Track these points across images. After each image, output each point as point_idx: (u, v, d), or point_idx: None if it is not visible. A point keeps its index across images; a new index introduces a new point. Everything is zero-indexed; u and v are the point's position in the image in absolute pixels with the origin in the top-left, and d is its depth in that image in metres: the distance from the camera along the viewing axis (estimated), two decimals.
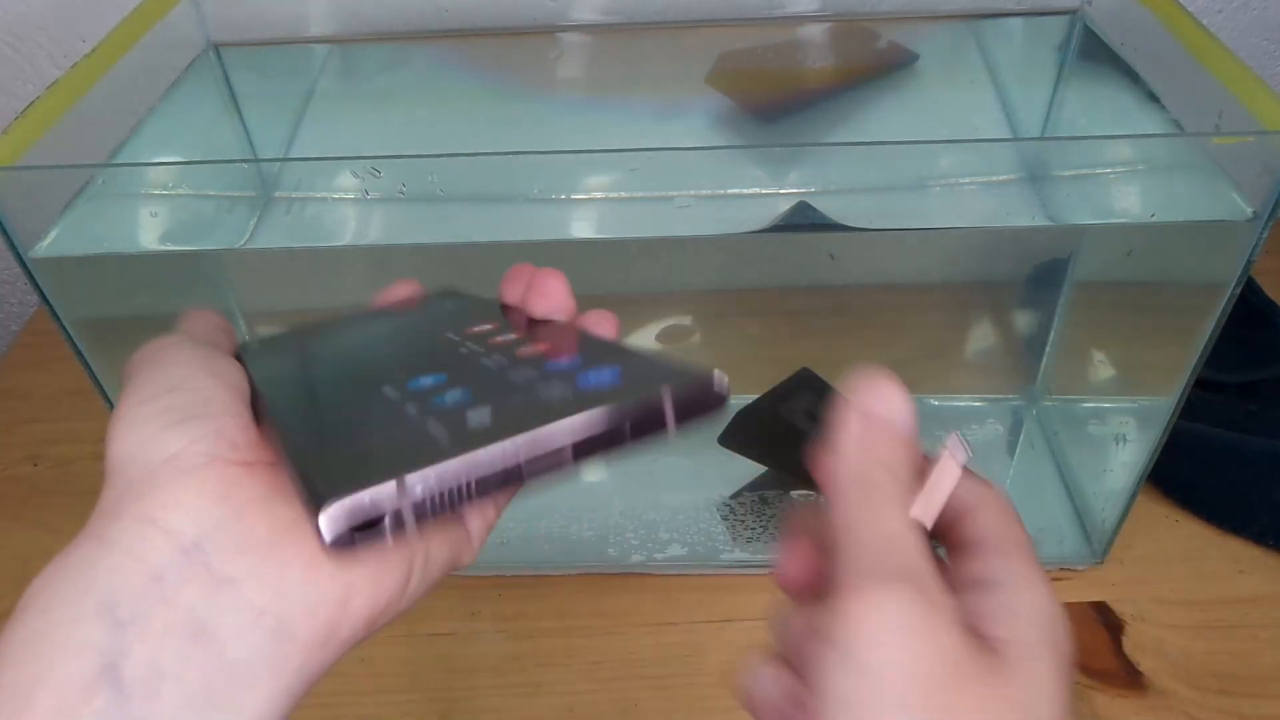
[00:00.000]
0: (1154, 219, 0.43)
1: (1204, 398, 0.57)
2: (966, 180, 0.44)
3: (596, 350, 0.27)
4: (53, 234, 0.42)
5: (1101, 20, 0.55)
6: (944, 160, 0.44)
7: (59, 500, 0.61)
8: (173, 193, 0.44)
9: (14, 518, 0.60)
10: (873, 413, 0.24)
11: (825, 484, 0.24)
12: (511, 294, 0.32)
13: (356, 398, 0.26)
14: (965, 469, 0.26)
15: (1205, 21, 0.45)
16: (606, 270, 0.52)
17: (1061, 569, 0.55)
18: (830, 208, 0.43)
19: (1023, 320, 0.64)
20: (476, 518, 0.28)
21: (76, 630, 0.20)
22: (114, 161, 0.47)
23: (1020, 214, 0.44)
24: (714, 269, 0.60)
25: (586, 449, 0.23)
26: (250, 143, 0.58)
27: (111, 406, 0.47)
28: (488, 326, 0.31)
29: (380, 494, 0.20)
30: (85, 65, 0.45)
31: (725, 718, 0.49)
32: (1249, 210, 0.40)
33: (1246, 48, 0.72)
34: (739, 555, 0.56)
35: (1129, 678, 0.49)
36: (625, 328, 0.33)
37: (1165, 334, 0.49)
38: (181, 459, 0.21)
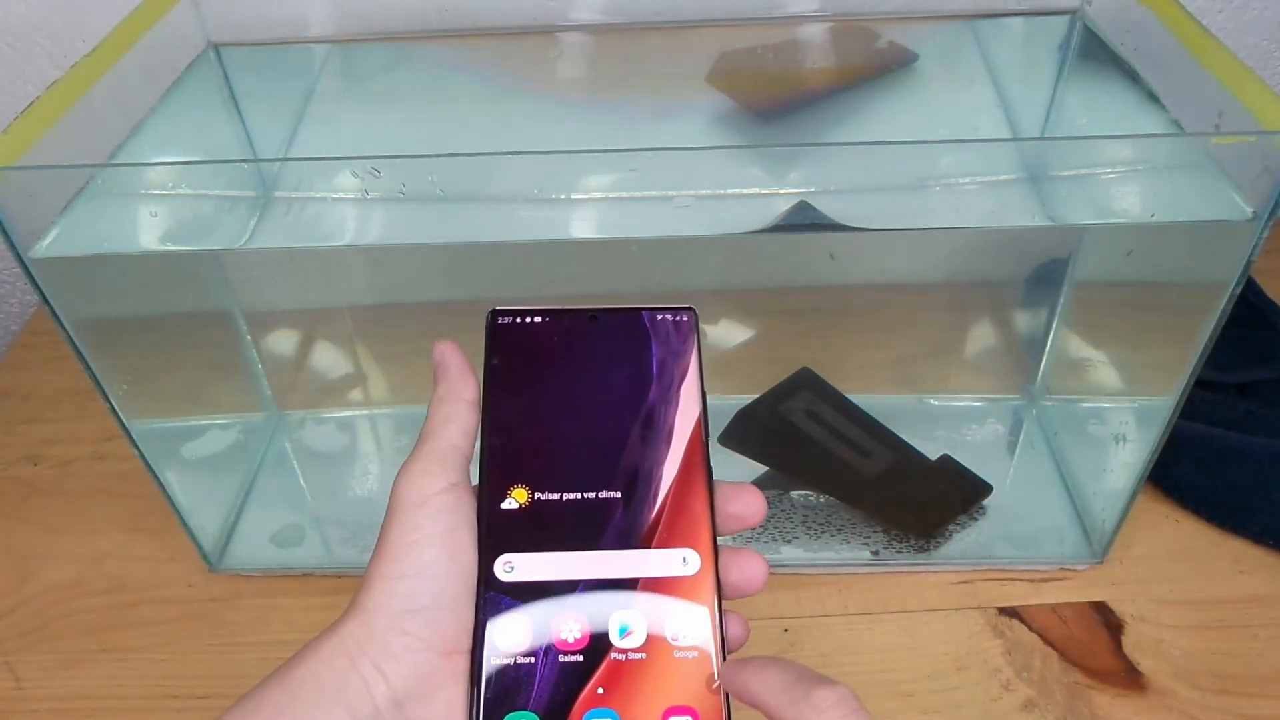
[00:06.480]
0: (1154, 219, 0.43)
1: (1204, 398, 0.57)
2: (966, 180, 0.44)
3: None
4: (53, 234, 0.42)
5: (1101, 20, 0.55)
6: (944, 160, 0.44)
7: (59, 500, 0.61)
8: (173, 193, 0.44)
9: (14, 518, 0.60)
10: None
11: None
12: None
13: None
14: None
15: (1205, 21, 0.45)
16: (607, 270, 0.52)
17: (1061, 569, 0.55)
18: (830, 208, 0.43)
19: (1023, 320, 0.64)
20: None
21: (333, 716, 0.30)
22: (114, 161, 0.47)
23: (1020, 214, 0.44)
24: (714, 269, 0.60)
25: None
26: (250, 143, 0.58)
27: (111, 406, 0.48)
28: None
29: None
30: (85, 65, 0.45)
31: None
32: (1249, 210, 0.40)
33: (1246, 48, 0.72)
34: None
35: (1129, 678, 0.49)
36: None
37: (1165, 334, 0.49)
38: (408, 641, 0.30)
